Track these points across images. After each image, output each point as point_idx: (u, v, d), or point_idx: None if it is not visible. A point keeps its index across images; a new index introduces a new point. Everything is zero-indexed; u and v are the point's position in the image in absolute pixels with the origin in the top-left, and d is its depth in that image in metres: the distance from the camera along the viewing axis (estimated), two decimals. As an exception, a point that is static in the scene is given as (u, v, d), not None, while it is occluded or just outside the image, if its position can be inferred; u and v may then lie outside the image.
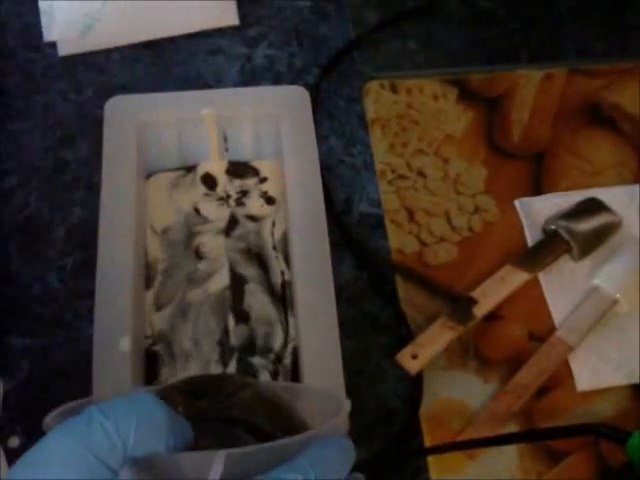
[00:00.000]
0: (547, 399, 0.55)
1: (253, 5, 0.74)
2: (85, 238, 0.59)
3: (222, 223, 0.60)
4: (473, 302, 0.57)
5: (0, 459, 0.49)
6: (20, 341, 0.55)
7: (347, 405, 0.33)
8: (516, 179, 0.65)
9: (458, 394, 0.55)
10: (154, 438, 0.28)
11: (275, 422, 0.36)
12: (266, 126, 0.60)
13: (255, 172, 0.63)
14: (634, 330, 0.57)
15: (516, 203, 0.63)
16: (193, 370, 0.53)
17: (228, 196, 0.61)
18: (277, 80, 0.69)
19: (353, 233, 0.61)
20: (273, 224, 0.60)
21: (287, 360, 0.54)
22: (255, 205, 0.61)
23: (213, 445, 0.30)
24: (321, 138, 0.65)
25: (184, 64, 0.70)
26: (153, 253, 0.58)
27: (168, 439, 0.29)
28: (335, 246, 0.56)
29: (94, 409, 0.28)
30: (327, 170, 0.64)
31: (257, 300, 0.56)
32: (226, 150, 0.62)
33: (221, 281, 0.57)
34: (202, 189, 0.62)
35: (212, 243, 0.59)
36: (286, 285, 0.57)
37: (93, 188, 0.60)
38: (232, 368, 0.53)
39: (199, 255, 0.58)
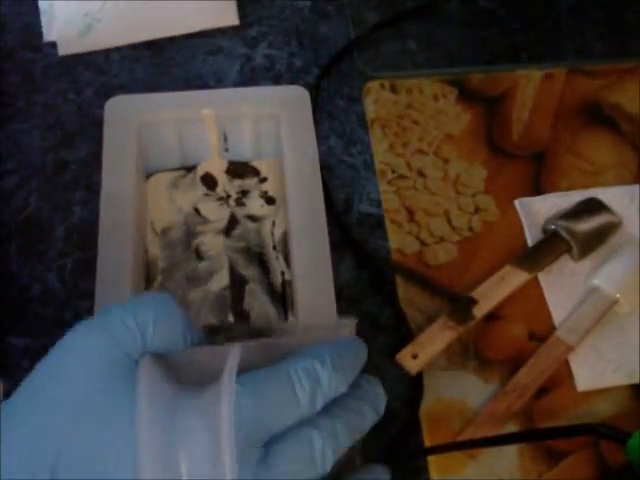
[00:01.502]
0: (547, 399, 0.55)
1: (253, 5, 0.74)
2: (85, 238, 0.59)
3: (222, 223, 0.60)
4: (473, 302, 0.57)
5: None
6: (20, 341, 0.55)
7: (353, 319, 0.32)
8: (516, 179, 0.65)
9: (458, 394, 0.55)
10: (171, 332, 0.28)
11: None
12: (266, 126, 0.60)
13: (255, 172, 0.63)
14: (634, 330, 0.57)
15: (516, 203, 0.63)
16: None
17: (228, 196, 0.61)
18: (277, 80, 0.69)
19: (353, 233, 0.61)
20: (273, 224, 0.60)
21: (287, 360, 0.54)
22: (255, 205, 0.61)
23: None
24: (321, 138, 0.66)
25: (184, 64, 0.70)
26: (153, 253, 0.58)
27: (185, 335, 0.29)
28: (335, 246, 0.56)
29: (112, 305, 0.29)
30: (327, 170, 0.64)
31: (257, 300, 0.56)
32: (226, 150, 0.62)
33: (221, 281, 0.57)
34: (202, 189, 0.62)
35: (212, 243, 0.59)
36: (286, 285, 0.57)
37: (93, 188, 0.60)
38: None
39: (199, 255, 0.58)
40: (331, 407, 0.28)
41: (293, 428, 0.27)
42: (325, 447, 0.27)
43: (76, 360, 0.27)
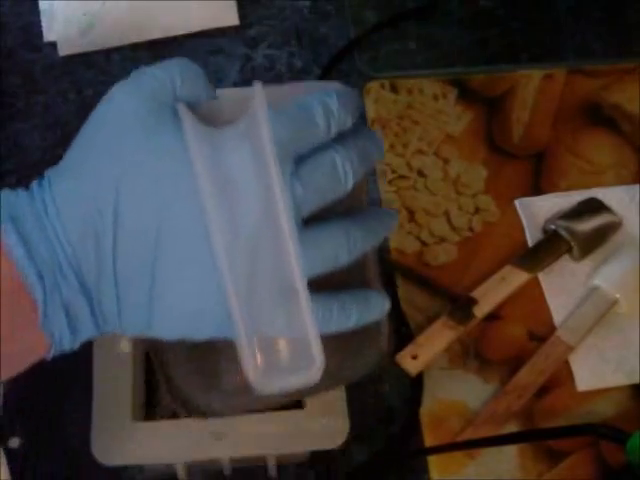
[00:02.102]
0: (547, 399, 0.55)
1: (253, 5, 0.74)
2: (85, 238, 0.58)
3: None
4: (473, 302, 0.57)
5: (0, 459, 0.50)
6: (20, 341, 0.55)
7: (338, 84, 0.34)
8: (516, 179, 0.65)
9: (458, 394, 0.55)
10: (196, 85, 0.31)
11: None
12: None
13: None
14: (634, 330, 0.57)
15: (516, 203, 0.63)
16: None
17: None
18: (277, 80, 0.69)
19: (353, 233, 0.61)
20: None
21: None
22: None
23: None
24: (321, 138, 0.65)
25: (184, 64, 0.69)
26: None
27: (208, 88, 0.32)
28: (335, 246, 0.56)
29: (140, 68, 0.31)
30: (327, 170, 0.64)
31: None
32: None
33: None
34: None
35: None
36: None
37: (93, 188, 0.60)
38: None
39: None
40: (343, 139, 0.31)
41: (314, 151, 0.30)
42: (345, 165, 0.30)
43: (119, 110, 0.30)
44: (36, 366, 0.55)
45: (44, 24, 0.70)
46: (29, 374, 0.54)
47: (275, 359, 0.29)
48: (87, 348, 0.48)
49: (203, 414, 0.37)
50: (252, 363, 0.29)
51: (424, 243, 0.61)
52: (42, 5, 0.70)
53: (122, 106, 0.30)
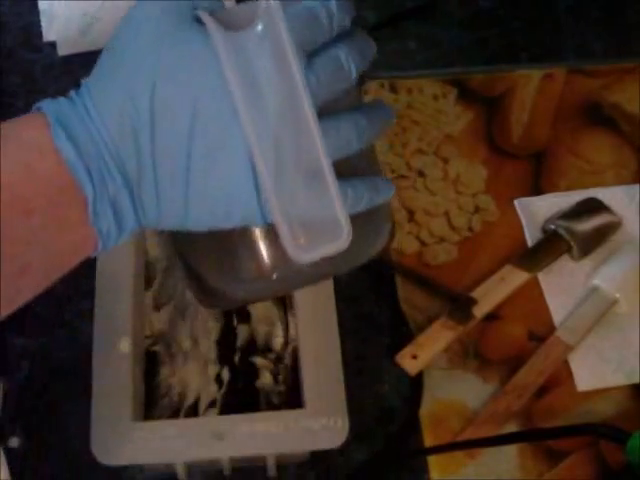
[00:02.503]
0: (547, 399, 0.55)
1: (253, 5, 0.74)
2: (85, 238, 0.58)
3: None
4: (473, 302, 0.57)
5: (0, 459, 0.50)
6: (20, 341, 0.55)
7: None
8: (516, 179, 0.65)
9: (458, 394, 0.55)
10: None
11: None
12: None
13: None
14: (634, 330, 0.57)
15: (516, 203, 0.63)
16: (192, 369, 0.53)
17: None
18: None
19: (353, 233, 0.61)
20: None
21: (287, 360, 0.54)
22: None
23: None
24: (321, 138, 0.65)
25: (184, 64, 0.69)
26: (153, 253, 0.58)
27: None
28: (335, 246, 0.56)
29: None
30: (327, 170, 0.64)
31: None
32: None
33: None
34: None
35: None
36: (286, 285, 0.57)
37: (93, 188, 0.60)
38: (232, 367, 0.53)
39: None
40: (342, 38, 0.34)
41: (321, 48, 0.33)
42: (348, 58, 0.33)
43: (146, 20, 0.32)
44: (36, 366, 0.55)
45: (44, 24, 0.70)
46: (29, 374, 0.54)
47: (308, 232, 0.33)
48: (87, 348, 0.48)
49: (222, 301, 0.40)
50: (288, 236, 0.32)
51: (424, 243, 0.61)
52: (42, 5, 0.70)
53: (149, 16, 0.32)
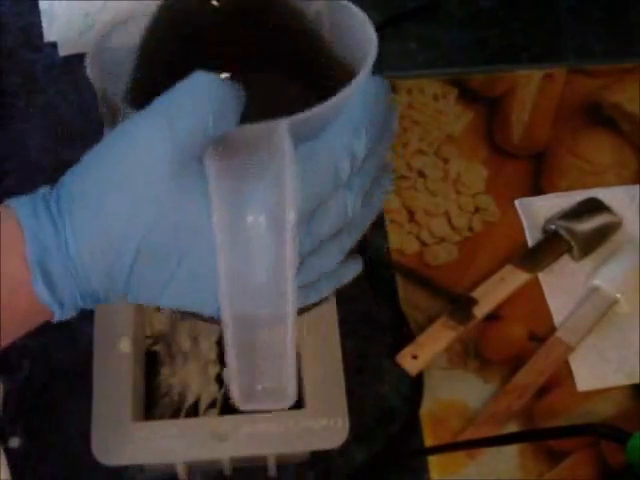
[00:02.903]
0: (547, 399, 0.55)
1: (253, 5, 0.74)
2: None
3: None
4: (473, 302, 0.57)
5: (0, 459, 0.49)
6: (20, 341, 0.55)
7: (374, 39, 0.36)
8: (516, 179, 0.65)
9: (458, 394, 0.55)
10: (227, 117, 0.29)
11: (301, 48, 0.39)
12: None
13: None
14: (634, 330, 0.57)
15: (516, 203, 0.63)
16: (192, 370, 0.53)
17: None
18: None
19: (353, 233, 0.61)
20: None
21: (287, 360, 0.53)
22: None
23: (266, 101, 0.33)
24: (321, 138, 0.65)
25: (184, 64, 0.69)
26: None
27: (237, 115, 0.30)
28: (335, 246, 0.56)
29: (171, 92, 0.30)
30: (327, 170, 0.64)
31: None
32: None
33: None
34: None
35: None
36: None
37: (93, 188, 0.60)
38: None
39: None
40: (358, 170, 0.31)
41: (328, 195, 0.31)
42: (354, 207, 0.31)
43: (146, 151, 0.29)
44: (36, 366, 0.55)
45: (44, 24, 0.70)
46: (29, 374, 0.54)
47: (257, 388, 0.33)
48: (87, 348, 0.48)
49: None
50: (236, 386, 0.32)
51: (424, 243, 0.61)
52: (42, 5, 0.70)
53: (150, 147, 0.29)
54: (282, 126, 0.29)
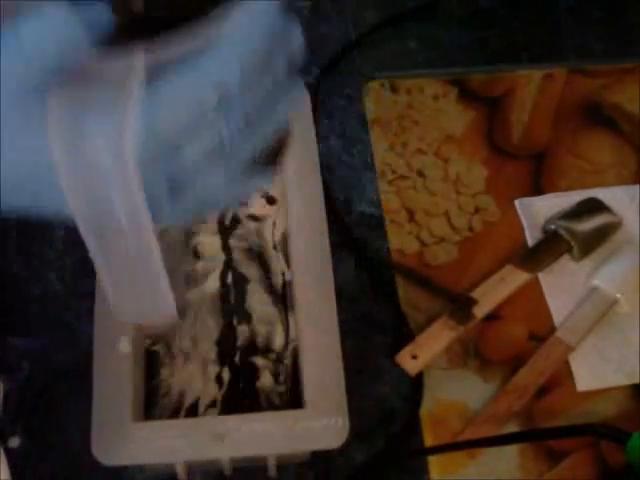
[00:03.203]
0: (547, 399, 0.55)
1: (253, 5, 0.74)
2: (85, 238, 0.58)
3: (223, 223, 0.60)
4: (473, 302, 0.57)
5: (0, 459, 0.49)
6: (20, 341, 0.55)
7: None
8: (516, 179, 0.65)
9: (458, 394, 0.55)
10: (76, 52, 0.29)
11: None
12: (266, 126, 0.60)
13: (255, 172, 0.63)
14: (634, 330, 0.57)
15: (516, 203, 0.63)
16: (192, 370, 0.53)
17: (228, 196, 0.61)
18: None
19: (353, 233, 0.61)
20: (274, 224, 0.60)
21: (287, 360, 0.54)
22: (257, 205, 0.61)
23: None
24: (321, 138, 0.65)
25: (184, 64, 0.69)
26: (153, 253, 0.58)
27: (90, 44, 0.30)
28: (335, 246, 0.56)
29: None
30: (327, 170, 0.64)
31: (258, 300, 0.56)
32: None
33: (219, 281, 0.57)
34: (202, 189, 0.61)
35: (210, 243, 0.59)
36: (287, 285, 0.57)
37: (93, 188, 0.60)
38: (233, 368, 0.53)
39: (197, 255, 0.58)
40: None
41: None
42: (233, 131, 0.31)
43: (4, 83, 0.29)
44: (36, 366, 0.55)
45: None
46: (29, 374, 0.54)
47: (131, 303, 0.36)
48: (87, 348, 0.48)
49: None
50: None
51: (424, 243, 0.61)
52: (42, 5, 0.70)
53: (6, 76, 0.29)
54: (132, 61, 0.29)
